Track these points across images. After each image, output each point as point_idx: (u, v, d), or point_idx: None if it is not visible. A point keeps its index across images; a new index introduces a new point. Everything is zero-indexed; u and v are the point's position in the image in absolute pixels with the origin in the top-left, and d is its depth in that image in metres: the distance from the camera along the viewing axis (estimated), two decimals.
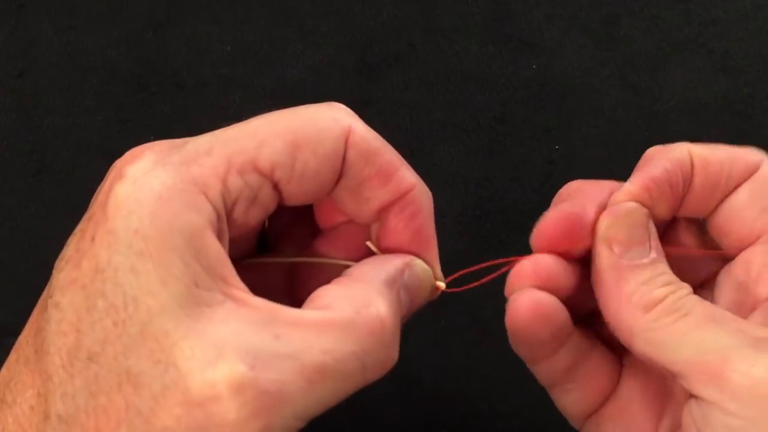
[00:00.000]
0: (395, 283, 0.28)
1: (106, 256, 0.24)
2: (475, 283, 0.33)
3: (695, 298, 0.29)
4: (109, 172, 0.27)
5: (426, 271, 0.30)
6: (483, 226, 0.48)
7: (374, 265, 0.29)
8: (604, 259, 0.31)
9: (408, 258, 0.30)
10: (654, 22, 0.53)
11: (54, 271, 0.26)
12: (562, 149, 0.50)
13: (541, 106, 0.51)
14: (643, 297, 0.29)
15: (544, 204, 0.49)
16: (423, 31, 0.53)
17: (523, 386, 0.46)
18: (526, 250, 0.48)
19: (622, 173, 0.51)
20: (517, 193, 0.49)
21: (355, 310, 0.26)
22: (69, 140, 0.50)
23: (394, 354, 0.27)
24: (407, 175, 0.30)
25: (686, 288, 0.30)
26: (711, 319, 0.28)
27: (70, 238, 0.26)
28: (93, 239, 0.25)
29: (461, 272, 0.33)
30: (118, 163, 0.26)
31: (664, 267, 0.30)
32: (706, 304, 0.29)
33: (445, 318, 0.46)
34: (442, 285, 0.31)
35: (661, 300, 0.29)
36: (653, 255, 0.30)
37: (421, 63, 0.52)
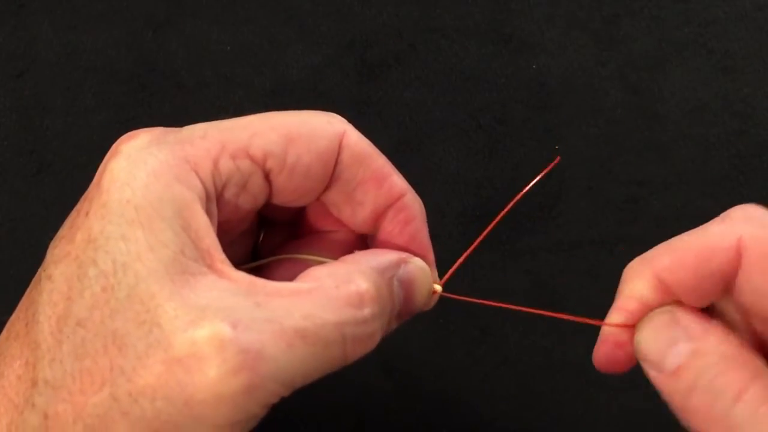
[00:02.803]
0: (387, 272, 0.29)
1: (99, 226, 0.25)
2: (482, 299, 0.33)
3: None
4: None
5: (424, 269, 0.31)
6: (483, 226, 0.48)
7: (367, 254, 0.30)
8: (653, 378, 0.28)
9: (405, 255, 0.30)
10: (654, 22, 0.53)
11: (49, 249, 0.27)
12: (562, 149, 0.50)
13: (541, 106, 0.51)
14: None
15: (545, 204, 0.49)
16: (423, 31, 0.53)
17: (523, 386, 0.46)
18: (526, 251, 0.48)
19: (622, 173, 0.51)
20: (517, 193, 0.49)
21: (336, 284, 0.26)
22: (69, 140, 0.50)
23: (374, 333, 0.27)
24: (399, 182, 0.30)
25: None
26: None
27: (66, 219, 0.27)
28: (87, 214, 0.26)
29: (454, 268, 0.33)
30: (115, 143, 0.27)
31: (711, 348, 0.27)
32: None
33: (445, 318, 0.46)
34: (438, 288, 0.31)
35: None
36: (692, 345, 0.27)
37: (421, 63, 0.52)
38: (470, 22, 0.53)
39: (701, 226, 0.28)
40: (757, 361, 0.27)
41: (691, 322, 0.28)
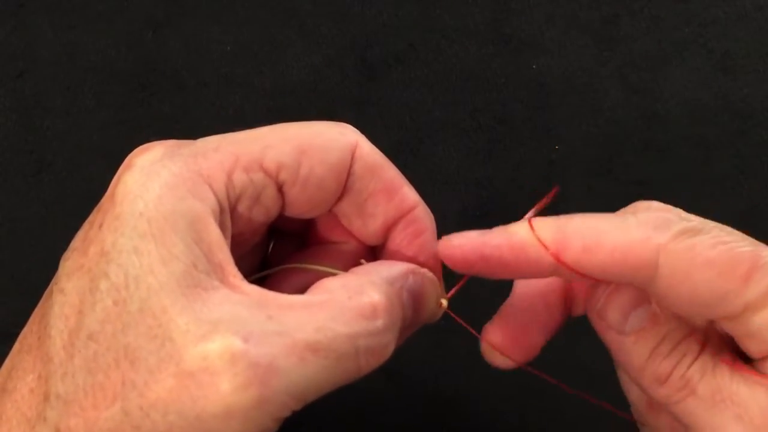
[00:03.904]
0: (396, 282, 0.28)
1: (111, 239, 0.25)
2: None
3: (698, 368, 0.28)
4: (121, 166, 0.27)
5: (432, 280, 0.31)
6: (483, 226, 0.48)
7: (377, 265, 0.30)
8: (606, 336, 0.30)
9: (414, 266, 0.30)
10: (654, 22, 0.53)
11: (61, 262, 0.27)
12: (562, 149, 0.50)
13: (541, 106, 0.51)
14: (653, 371, 0.29)
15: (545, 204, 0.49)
16: (423, 31, 0.53)
17: (523, 386, 0.46)
18: None
19: (622, 173, 0.51)
20: (517, 193, 0.49)
21: (348, 296, 0.26)
22: (69, 140, 0.50)
23: (388, 344, 0.27)
24: (410, 194, 0.30)
25: (689, 353, 0.28)
26: (714, 399, 0.28)
27: (79, 231, 0.27)
28: (101, 226, 0.26)
29: (459, 285, 0.33)
30: (128, 156, 0.27)
31: (664, 330, 0.29)
32: (710, 376, 0.28)
33: (445, 318, 0.46)
34: (444, 302, 0.31)
35: (668, 375, 0.28)
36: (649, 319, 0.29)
37: (421, 63, 0.52)
38: (470, 22, 0.53)
39: (620, 221, 0.28)
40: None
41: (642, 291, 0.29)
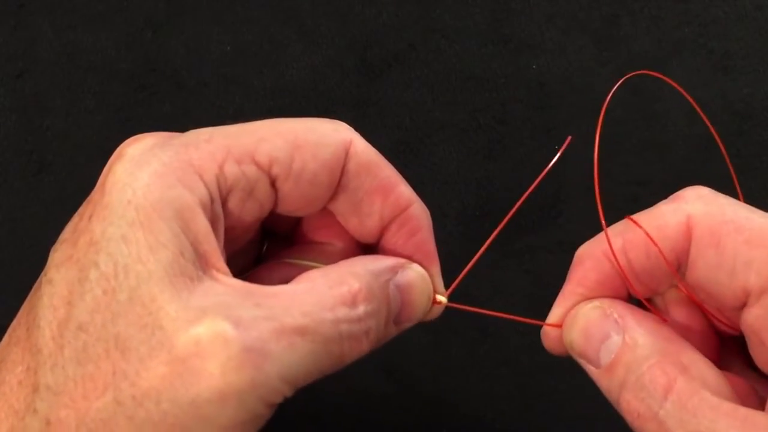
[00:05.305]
0: (382, 275, 0.29)
1: (100, 228, 0.25)
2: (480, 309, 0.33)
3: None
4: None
5: (423, 275, 0.30)
6: (483, 226, 0.48)
7: (363, 258, 0.30)
8: (591, 373, 0.29)
9: (403, 261, 0.30)
10: (654, 22, 0.53)
11: (50, 253, 0.27)
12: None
13: (541, 106, 0.51)
14: (634, 406, 0.27)
15: (545, 204, 0.49)
16: (423, 31, 0.53)
17: (522, 386, 0.46)
18: (526, 251, 0.48)
19: (622, 173, 0.51)
20: (517, 193, 0.49)
21: (329, 285, 0.27)
22: (69, 140, 0.50)
23: (368, 331, 0.27)
24: (406, 191, 0.30)
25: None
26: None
27: (68, 223, 0.27)
28: (90, 217, 0.26)
29: (458, 280, 0.33)
30: (119, 147, 0.27)
31: (647, 350, 0.27)
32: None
33: (445, 318, 0.46)
34: (443, 299, 0.31)
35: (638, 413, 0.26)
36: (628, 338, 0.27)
37: (421, 63, 0.52)
38: (470, 22, 0.53)
39: (652, 207, 0.29)
40: (688, 351, 0.27)
41: (623, 314, 0.29)
